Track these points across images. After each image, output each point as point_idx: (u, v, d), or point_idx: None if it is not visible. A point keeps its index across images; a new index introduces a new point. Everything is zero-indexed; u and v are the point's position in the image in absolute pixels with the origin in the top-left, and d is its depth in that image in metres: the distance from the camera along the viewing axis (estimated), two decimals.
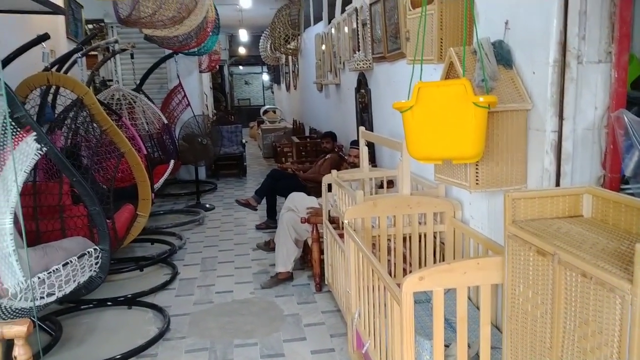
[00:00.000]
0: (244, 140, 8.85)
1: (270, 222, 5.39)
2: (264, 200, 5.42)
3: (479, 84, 1.90)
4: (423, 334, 2.07)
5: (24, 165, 2.09)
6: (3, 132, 2.08)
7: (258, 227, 5.42)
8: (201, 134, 6.66)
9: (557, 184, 1.87)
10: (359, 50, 4.57)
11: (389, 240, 2.65)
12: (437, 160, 1.85)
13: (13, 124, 2.07)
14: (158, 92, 7.16)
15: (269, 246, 4.59)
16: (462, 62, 1.84)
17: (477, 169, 1.93)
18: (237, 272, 4.17)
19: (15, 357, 1.43)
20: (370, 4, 4.05)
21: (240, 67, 17.52)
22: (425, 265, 2.71)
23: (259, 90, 18.21)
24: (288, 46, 8.87)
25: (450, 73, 2.10)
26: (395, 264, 2.70)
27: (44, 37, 2.89)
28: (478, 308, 2.23)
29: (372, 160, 4.32)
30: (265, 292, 3.74)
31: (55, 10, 3.01)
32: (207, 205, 6.45)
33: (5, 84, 1.92)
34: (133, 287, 3.85)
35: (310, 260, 3.86)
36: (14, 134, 2.09)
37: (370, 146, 3.99)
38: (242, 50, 13.93)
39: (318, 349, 2.91)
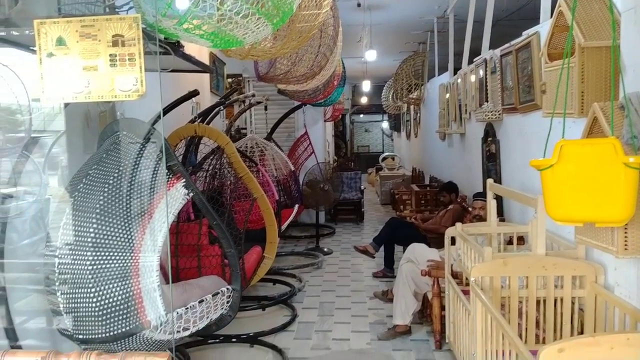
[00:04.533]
0: (362, 187, 8.96)
1: (388, 271, 5.32)
2: (381, 248, 5.38)
3: (627, 141, 1.76)
4: None
5: (172, 208, 2.32)
6: (154, 178, 2.34)
7: (375, 275, 5.38)
8: (323, 180, 6.88)
9: None
10: (486, 100, 4.47)
11: (520, 302, 2.49)
12: (579, 222, 1.72)
13: (166, 171, 2.33)
14: (286, 140, 7.59)
15: (386, 296, 4.53)
16: (610, 119, 1.72)
17: (626, 232, 1.76)
18: (354, 320, 4.15)
19: None
20: (501, 55, 3.98)
21: (361, 116, 17.98)
22: (560, 333, 2.49)
23: (379, 138, 18.47)
24: (410, 95, 8.96)
25: (593, 129, 1.97)
26: (526, 328, 2.51)
27: (195, 94, 3.23)
28: None
29: (500, 214, 4.13)
30: (382, 343, 3.67)
31: (204, 69, 3.36)
32: (326, 249, 6.57)
33: (165, 139, 2.17)
34: (255, 325, 4.00)
35: (429, 315, 3.73)
36: (167, 180, 2.34)
37: (498, 199, 3.82)
38: (363, 100, 14.30)
39: None
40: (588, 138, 1.97)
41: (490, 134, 4.54)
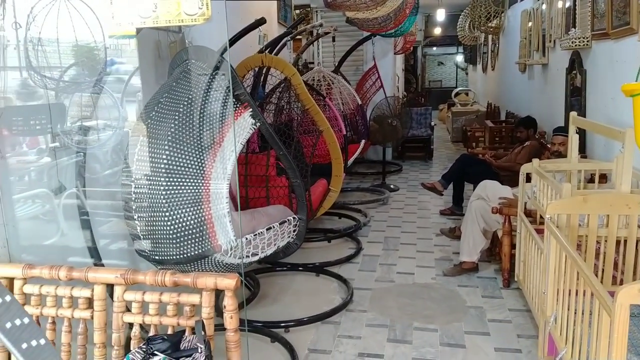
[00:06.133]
0: (432, 123, 8.68)
1: (456, 208, 5.21)
2: (450, 186, 5.26)
3: None
4: (635, 352, 1.80)
5: (240, 137, 2.34)
6: (225, 107, 2.35)
7: (442, 213, 5.29)
8: (391, 115, 6.71)
9: None
10: (574, 26, 4.09)
11: (598, 242, 2.35)
12: None
13: (234, 100, 2.33)
14: (354, 73, 7.40)
15: (454, 233, 4.46)
16: None
17: None
18: (419, 256, 4.14)
19: (224, 306, 1.61)
20: None
21: (434, 48, 17.14)
22: None
23: (452, 72, 17.63)
24: (489, 24, 8.37)
25: None
26: (603, 269, 2.39)
27: (261, 22, 3.17)
28: None
29: (582, 151, 3.86)
30: (447, 279, 3.65)
31: None
32: (392, 186, 6.51)
33: (231, 65, 2.16)
34: (321, 256, 4.10)
35: (498, 253, 3.64)
36: (234, 109, 2.34)
37: (581, 134, 3.57)
38: (437, 31, 13.57)
39: (503, 347, 2.74)
40: None
41: (576, 64, 4.18)
